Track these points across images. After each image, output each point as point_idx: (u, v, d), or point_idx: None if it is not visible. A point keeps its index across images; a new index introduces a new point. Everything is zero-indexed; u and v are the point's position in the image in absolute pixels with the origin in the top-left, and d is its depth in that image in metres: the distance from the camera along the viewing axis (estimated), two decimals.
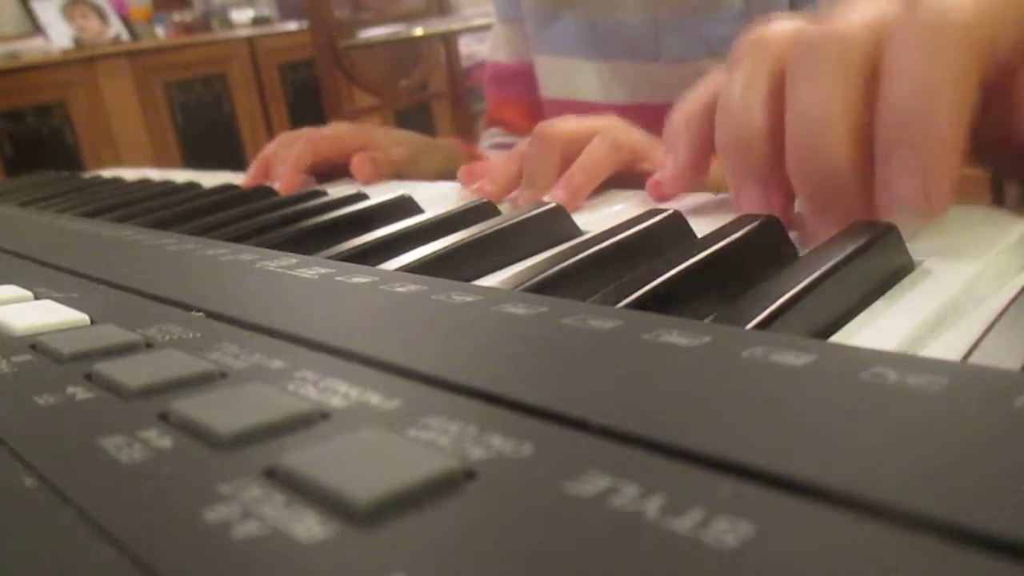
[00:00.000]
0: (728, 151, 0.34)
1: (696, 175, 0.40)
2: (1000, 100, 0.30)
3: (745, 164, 0.34)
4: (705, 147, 0.38)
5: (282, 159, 0.64)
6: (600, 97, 0.81)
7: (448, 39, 2.30)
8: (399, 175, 0.64)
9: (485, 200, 0.43)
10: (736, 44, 0.35)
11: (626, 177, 0.48)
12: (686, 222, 0.34)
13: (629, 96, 0.79)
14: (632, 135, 0.49)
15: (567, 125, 0.49)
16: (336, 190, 0.55)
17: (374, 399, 0.16)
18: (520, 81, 0.86)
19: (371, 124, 0.74)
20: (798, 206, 0.35)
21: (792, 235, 0.32)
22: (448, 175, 0.55)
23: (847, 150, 0.30)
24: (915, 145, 0.28)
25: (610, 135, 0.48)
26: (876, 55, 0.30)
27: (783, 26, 0.34)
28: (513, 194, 0.48)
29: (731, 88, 0.34)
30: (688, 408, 0.15)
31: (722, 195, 0.43)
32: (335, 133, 0.67)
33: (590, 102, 0.81)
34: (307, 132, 0.67)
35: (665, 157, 0.40)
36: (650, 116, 0.57)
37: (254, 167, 0.67)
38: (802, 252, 0.31)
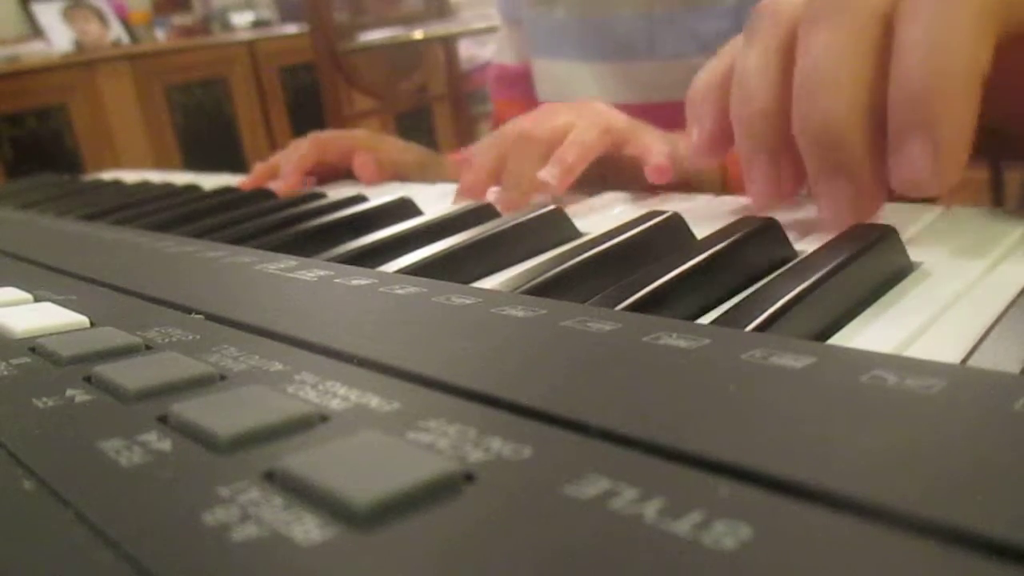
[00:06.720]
0: (741, 124, 0.34)
1: (723, 145, 0.38)
2: (1011, 72, 0.29)
3: (756, 138, 0.33)
4: (727, 117, 0.37)
5: (287, 159, 0.64)
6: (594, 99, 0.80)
7: (448, 42, 2.30)
8: (405, 179, 0.64)
9: (484, 202, 0.44)
10: (751, 14, 0.35)
11: (613, 159, 0.49)
12: (685, 224, 0.34)
13: (623, 97, 0.79)
14: (617, 118, 0.50)
15: (547, 123, 0.49)
16: (336, 192, 0.55)
17: (373, 402, 0.16)
18: (525, 82, 0.86)
19: (380, 134, 0.73)
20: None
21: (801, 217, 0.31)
22: None
23: (849, 101, 0.29)
24: (929, 128, 0.28)
25: (600, 120, 0.48)
26: (890, 17, 0.29)
27: None
28: (494, 190, 0.48)
29: (744, 60, 0.34)
30: (687, 411, 0.15)
31: (722, 197, 0.43)
32: (341, 134, 0.67)
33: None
34: (313, 135, 0.67)
35: (688, 129, 0.39)
36: (646, 116, 0.57)
37: (256, 171, 0.67)
38: (807, 245, 0.31)
